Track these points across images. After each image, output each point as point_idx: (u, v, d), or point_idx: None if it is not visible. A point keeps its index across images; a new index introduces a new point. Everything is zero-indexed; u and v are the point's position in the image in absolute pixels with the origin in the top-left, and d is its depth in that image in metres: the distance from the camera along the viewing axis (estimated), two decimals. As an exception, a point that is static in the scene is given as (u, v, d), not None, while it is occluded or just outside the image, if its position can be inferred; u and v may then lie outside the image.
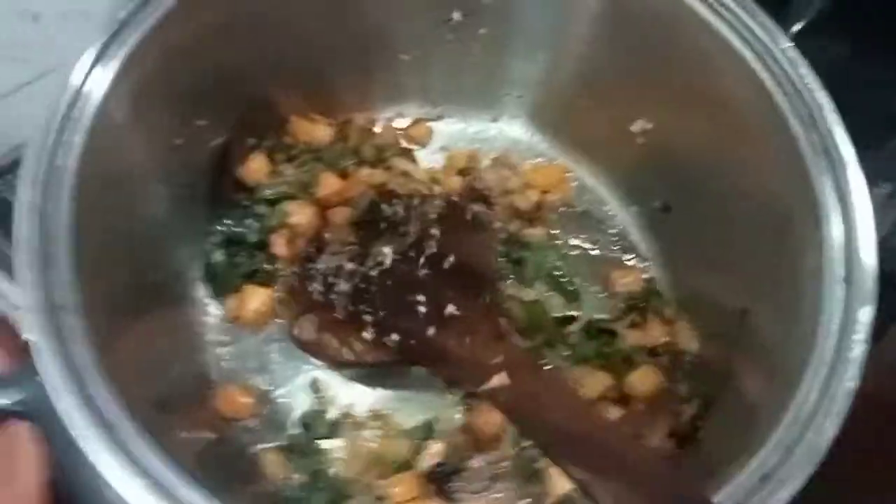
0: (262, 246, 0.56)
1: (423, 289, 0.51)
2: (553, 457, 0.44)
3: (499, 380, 0.47)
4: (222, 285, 0.56)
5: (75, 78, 0.39)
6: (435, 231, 0.53)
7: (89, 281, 0.36)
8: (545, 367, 0.52)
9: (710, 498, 0.33)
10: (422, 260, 0.52)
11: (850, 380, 0.34)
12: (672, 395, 0.50)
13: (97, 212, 0.39)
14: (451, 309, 0.50)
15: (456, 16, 0.56)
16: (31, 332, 0.33)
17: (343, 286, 0.52)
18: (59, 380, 0.32)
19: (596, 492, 0.39)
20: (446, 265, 0.52)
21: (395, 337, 0.49)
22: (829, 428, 0.33)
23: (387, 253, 0.52)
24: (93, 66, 0.39)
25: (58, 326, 0.33)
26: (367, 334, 0.50)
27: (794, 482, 0.32)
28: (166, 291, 0.51)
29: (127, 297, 0.42)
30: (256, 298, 0.55)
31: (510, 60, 0.59)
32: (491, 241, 0.57)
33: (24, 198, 0.35)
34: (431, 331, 0.49)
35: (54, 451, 0.34)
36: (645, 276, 0.59)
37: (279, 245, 0.56)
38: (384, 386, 0.55)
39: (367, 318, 0.50)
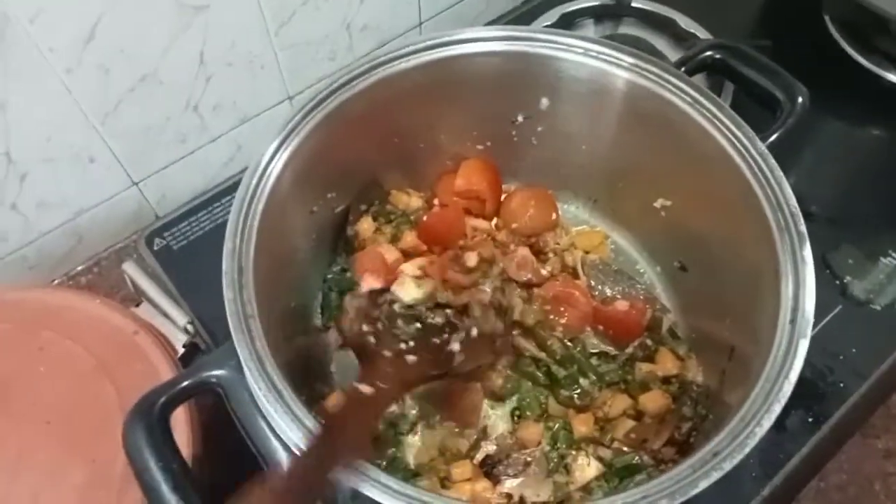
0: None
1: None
2: None
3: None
4: (330, 316, 0.72)
5: (262, 163, 0.58)
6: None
7: (263, 300, 0.54)
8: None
9: None
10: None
11: (785, 393, 0.48)
12: (678, 415, 0.64)
13: (268, 254, 0.57)
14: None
15: (520, 118, 0.73)
16: (232, 331, 0.51)
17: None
18: (249, 362, 0.50)
19: None
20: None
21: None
22: (765, 424, 0.47)
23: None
24: (272, 157, 0.59)
25: (248, 328, 0.51)
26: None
27: (735, 458, 0.45)
28: (299, 317, 0.69)
29: (281, 315, 0.60)
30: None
31: (559, 151, 0.75)
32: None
33: (228, 245, 0.55)
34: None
35: (236, 410, 0.51)
36: (668, 322, 0.73)
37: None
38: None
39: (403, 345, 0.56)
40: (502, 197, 0.80)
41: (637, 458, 0.63)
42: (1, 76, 0.66)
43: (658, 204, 0.71)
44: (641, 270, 0.77)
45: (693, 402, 0.64)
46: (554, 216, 0.78)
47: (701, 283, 0.69)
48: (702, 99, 0.61)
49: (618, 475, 0.63)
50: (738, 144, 0.59)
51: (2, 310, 0.70)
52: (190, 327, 0.72)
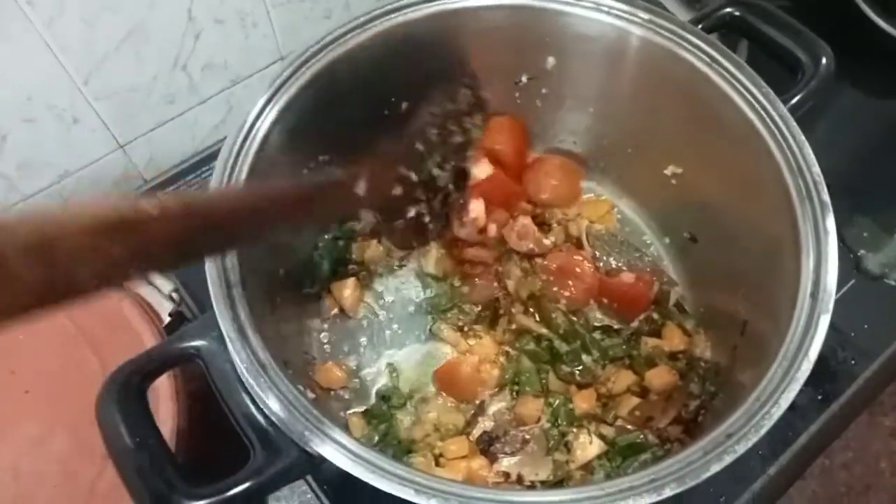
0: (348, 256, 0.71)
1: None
2: None
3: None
4: (322, 285, 0.70)
5: (249, 119, 0.55)
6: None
7: (248, 267, 0.51)
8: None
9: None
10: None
11: (804, 372, 0.45)
12: (685, 392, 0.61)
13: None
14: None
15: (524, 78, 0.69)
16: (213, 300, 0.48)
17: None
18: (231, 333, 0.47)
19: None
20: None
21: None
22: (782, 404, 0.44)
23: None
24: (259, 113, 0.55)
25: (231, 297, 0.48)
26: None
27: (750, 440, 0.43)
28: (288, 285, 0.66)
29: (268, 283, 0.57)
30: (346, 288, 0.69)
31: (566, 114, 0.71)
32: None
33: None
34: None
35: (217, 382, 0.48)
36: (676, 296, 0.70)
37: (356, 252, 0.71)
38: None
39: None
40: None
41: (641, 436, 0.60)
42: (-23, 33, 0.62)
43: (669, 171, 0.67)
44: (648, 241, 0.74)
45: (701, 379, 0.61)
46: (578, 190, 0.74)
47: (712, 254, 0.66)
48: (720, 58, 0.57)
49: (621, 454, 0.61)
50: (757, 106, 0.55)
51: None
52: (175, 295, 0.69)
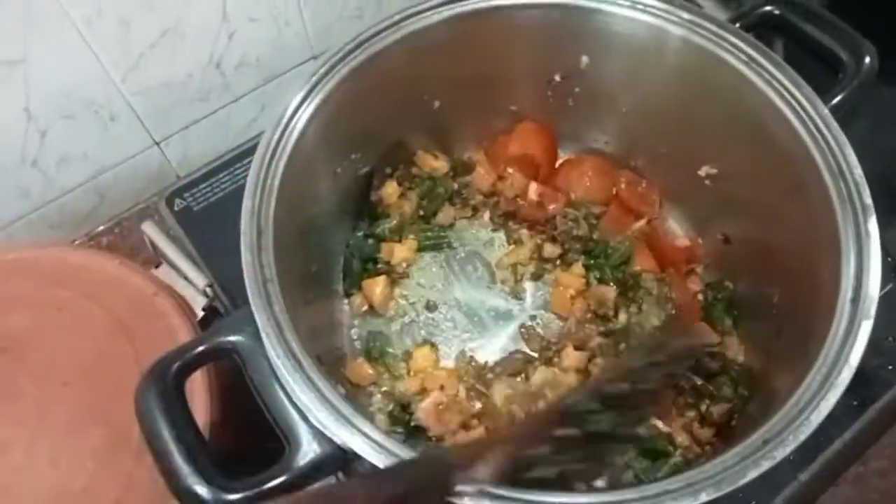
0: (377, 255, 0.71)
1: None
2: None
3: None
4: (352, 282, 0.71)
5: (286, 116, 0.55)
6: None
7: (282, 263, 0.52)
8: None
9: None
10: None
11: (844, 379, 0.44)
12: (716, 395, 0.60)
13: (288, 215, 0.54)
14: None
15: (556, 77, 0.69)
16: (250, 295, 0.49)
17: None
18: (267, 328, 0.47)
19: None
20: None
21: None
22: (822, 410, 0.43)
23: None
24: (296, 110, 0.56)
25: (266, 292, 0.49)
26: None
27: (788, 446, 0.42)
28: (320, 281, 0.66)
29: (301, 280, 0.57)
30: (376, 286, 0.69)
31: (598, 114, 0.71)
32: None
33: (247, 203, 0.52)
34: None
35: (253, 377, 0.49)
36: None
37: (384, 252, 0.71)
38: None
39: None
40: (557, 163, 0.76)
41: (667, 441, 0.60)
42: (20, 29, 0.64)
43: (703, 172, 0.66)
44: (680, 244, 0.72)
45: (734, 382, 0.60)
46: (614, 190, 0.74)
47: (746, 256, 0.65)
48: (759, 57, 0.56)
49: (647, 456, 0.60)
50: (797, 106, 0.54)
51: (22, 267, 0.69)
52: (209, 290, 0.70)
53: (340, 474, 0.61)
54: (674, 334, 0.56)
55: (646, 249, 0.68)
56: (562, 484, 0.43)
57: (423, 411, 0.61)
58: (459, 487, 0.39)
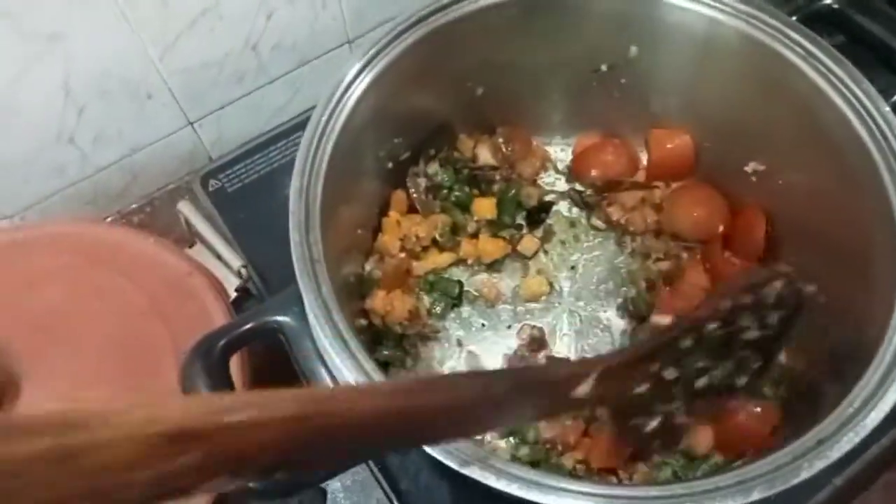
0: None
1: None
2: None
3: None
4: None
5: (343, 83, 0.55)
6: None
7: (328, 244, 0.51)
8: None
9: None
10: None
11: (899, 382, 0.43)
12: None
13: (334, 197, 0.54)
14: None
15: (603, 67, 0.68)
16: (298, 276, 0.48)
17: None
18: (316, 309, 0.47)
19: None
20: None
21: None
22: (880, 412, 0.42)
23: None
24: (346, 89, 0.55)
25: (314, 272, 0.48)
26: None
27: (844, 447, 0.41)
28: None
29: (344, 260, 0.57)
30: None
31: (644, 106, 0.70)
32: None
33: (296, 183, 0.51)
34: None
35: (299, 360, 0.49)
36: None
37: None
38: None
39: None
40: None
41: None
42: (60, 4, 0.63)
43: (749, 168, 0.65)
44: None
45: (775, 383, 0.59)
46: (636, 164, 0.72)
47: (792, 258, 0.63)
48: (817, 52, 0.55)
49: (686, 455, 0.59)
50: (855, 103, 0.53)
51: (60, 242, 0.69)
52: (244, 271, 0.70)
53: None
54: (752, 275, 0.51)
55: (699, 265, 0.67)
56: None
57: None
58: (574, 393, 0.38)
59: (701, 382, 0.42)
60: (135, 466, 0.24)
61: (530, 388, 0.38)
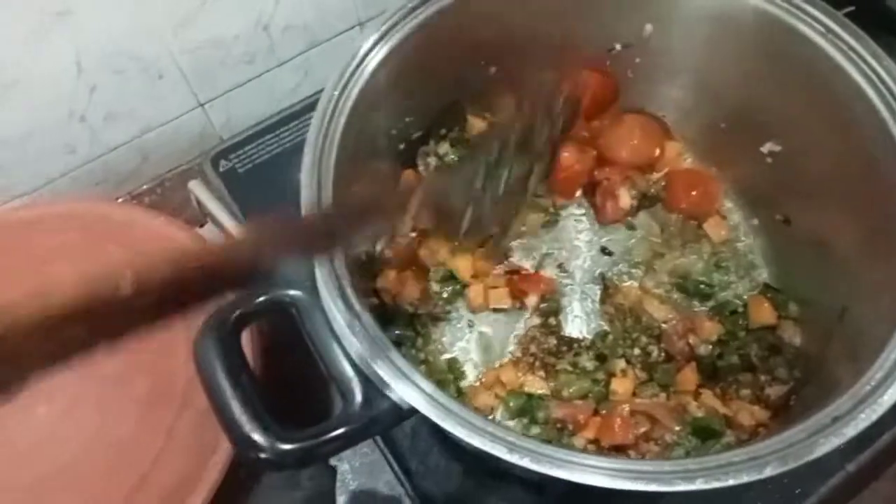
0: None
1: None
2: None
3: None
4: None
5: (359, 55, 0.55)
6: None
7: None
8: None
9: None
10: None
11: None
12: (771, 377, 0.59)
13: (345, 172, 0.53)
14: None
15: (617, 46, 0.67)
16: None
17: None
18: (328, 282, 0.46)
19: None
20: None
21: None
22: (895, 392, 0.41)
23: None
24: (360, 61, 0.55)
25: (326, 246, 0.48)
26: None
27: (860, 424, 0.41)
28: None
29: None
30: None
31: (658, 86, 0.69)
32: None
33: (307, 158, 0.51)
34: None
35: (311, 334, 0.48)
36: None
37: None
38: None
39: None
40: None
41: (718, 420, 0.59)
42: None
43: (766, 149, 0.64)
44: (734, 223, 0.71)
45: (788, 364, 0.59)
46: (658, 151, 0.72)
47: (807, 238, 0.63)
48: (837, 28, 0.54)
49: (697, 435, 0.59)
50: (876, 81, 0.52)
51: (71, 219, 0.69)
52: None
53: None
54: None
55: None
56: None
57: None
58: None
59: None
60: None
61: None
